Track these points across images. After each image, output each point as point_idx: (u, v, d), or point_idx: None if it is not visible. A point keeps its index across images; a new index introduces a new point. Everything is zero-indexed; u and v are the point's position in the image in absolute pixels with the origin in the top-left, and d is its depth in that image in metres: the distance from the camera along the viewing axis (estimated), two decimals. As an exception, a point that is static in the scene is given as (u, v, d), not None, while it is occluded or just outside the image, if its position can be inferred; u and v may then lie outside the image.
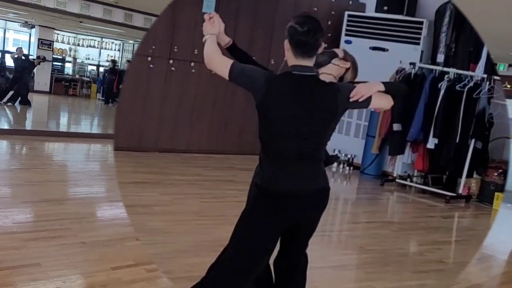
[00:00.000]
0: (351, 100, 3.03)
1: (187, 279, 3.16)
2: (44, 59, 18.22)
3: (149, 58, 9.12)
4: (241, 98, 9.87)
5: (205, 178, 8.34)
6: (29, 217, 5.58)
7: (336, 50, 3.57)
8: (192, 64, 9.39)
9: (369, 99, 3.08)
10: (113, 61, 22.45)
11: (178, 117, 9.67)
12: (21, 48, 17.47)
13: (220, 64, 3.02)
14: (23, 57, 16.55)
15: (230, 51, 3.43)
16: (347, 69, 3.51)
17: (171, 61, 9.28)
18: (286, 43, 3.02)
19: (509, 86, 18.00)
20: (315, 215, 3.14)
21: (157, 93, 9.31)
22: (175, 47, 9.26)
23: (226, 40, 3.34)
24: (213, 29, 3.17)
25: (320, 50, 3.04)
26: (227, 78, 3.00)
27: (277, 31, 10.20)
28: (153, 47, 9.10)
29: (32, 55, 19.78)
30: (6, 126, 12.52)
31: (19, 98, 15.86)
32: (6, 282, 3.79)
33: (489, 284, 5.33)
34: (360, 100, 3.04)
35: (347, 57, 3.52)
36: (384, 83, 3.14)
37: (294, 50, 2.99)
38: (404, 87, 3.52)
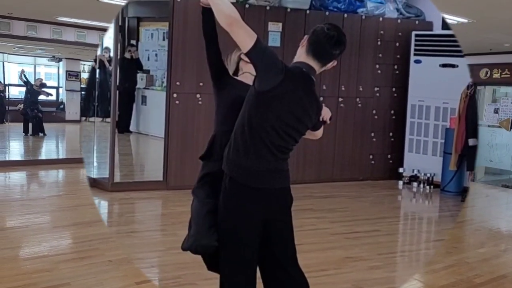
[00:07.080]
0: (320, 119, 3.14)
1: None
2: (42, 84, 18.06)
3: (198, 95, 8.81)
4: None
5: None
6: (60, 241, 5.90)
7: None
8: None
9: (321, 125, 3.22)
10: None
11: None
12: (40, 79, 17.51)
13: (244, 33, 2.70)
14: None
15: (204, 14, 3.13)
16: None
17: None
18: (305, 39, 2.99)
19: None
20: (280, 214, 3.25)
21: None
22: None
23: None
24: None
25: (330, 65, 3.08)
26: (246, 49, 2.72)
27: (344, 56, 10.30)
28: (200, 84, 8.71)
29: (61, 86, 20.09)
30: (43, 157, 13.48)
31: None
32: (37, 302, 4.07)
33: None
34: (326, 123, 3.20)
35: None
36: None
37: (309, 46, 2.96)
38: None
